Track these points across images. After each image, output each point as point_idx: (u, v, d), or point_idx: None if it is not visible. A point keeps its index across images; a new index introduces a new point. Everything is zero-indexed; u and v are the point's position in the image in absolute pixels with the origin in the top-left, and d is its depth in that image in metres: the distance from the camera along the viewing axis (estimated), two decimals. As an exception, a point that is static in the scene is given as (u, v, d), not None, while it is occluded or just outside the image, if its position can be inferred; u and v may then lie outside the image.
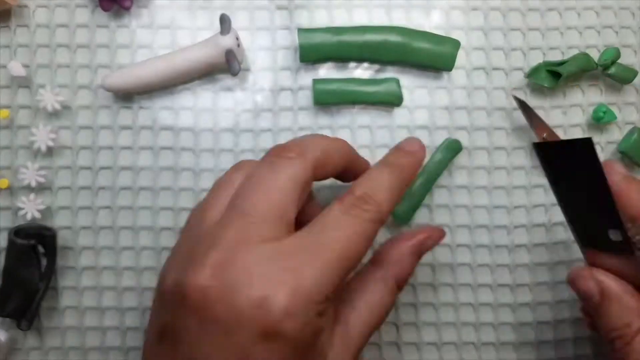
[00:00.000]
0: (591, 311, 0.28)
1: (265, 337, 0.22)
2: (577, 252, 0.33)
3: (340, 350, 0.26)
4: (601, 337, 0.28)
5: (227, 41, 0.33)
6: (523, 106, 0.35)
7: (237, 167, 0.28)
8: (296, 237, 0.25)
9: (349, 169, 0.30)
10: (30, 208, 0.35)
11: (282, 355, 0.23)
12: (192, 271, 0.23)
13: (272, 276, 0.23)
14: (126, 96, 0.36)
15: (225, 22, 0.33)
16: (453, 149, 0.36)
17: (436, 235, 0.31)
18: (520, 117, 0.37)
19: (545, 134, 0.35)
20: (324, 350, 0.25)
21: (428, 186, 0.35)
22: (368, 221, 0.26)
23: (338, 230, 0.25)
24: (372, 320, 0.27)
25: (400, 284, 0.29)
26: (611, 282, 0.27)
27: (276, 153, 0.27)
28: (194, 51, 0.34)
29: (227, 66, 0.34)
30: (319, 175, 0.27)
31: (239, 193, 0.26)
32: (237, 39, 0.34)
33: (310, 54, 0.35)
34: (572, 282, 0.28)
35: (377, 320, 0.28)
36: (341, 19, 0.37)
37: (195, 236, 0.26)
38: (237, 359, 0.22)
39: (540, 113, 0.36)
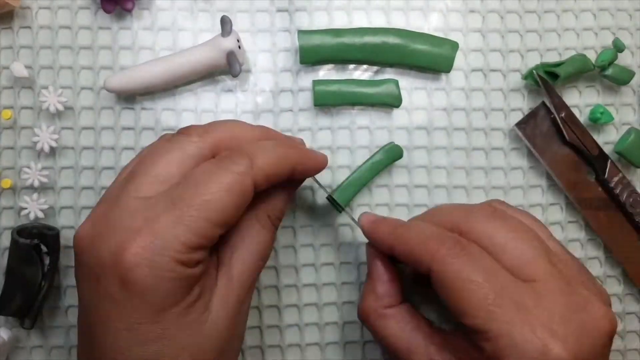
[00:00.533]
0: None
1: (123, 285, 0.24)
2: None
3: (224, 292, 0.26)
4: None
5: (229, 43, 0.34)
6: (545, 83, 0.35)
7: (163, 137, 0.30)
8: (164, 192, 0.25)
9: (302, 174, 0.30)
10: (33, 208, 0.35)
11: (142, 301, 0.24)
12: (82, 223, 0.27)
13: (130, 227, 0.24)
14: (128, 97, 0.36)
15: (226, 24, 0.34)
16: (394, 153, 0.36)
17: (308, 163, 0.30)
18: (519, 117, 0.37)
19: (563, 113, 0.35)
20: (205, 296, 0.26)
21: (362, 181, 0.35)
22: (236, 174, 0.26)
23: (203, 182, 0.25)
24: (251, 259, 0.28)
25: (275, 220, 0.29)
26: (377, 262, 0.32)
27: (180, 131, 0.29)
28: (195, 53, 0.34)
29: (228, 67, 0.34)
30: (261, 186, 0.27)
31: (137, 157, 0.29)
32: (238, 40, 0.34)
33: (310, 55, 0.36)
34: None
35: (257, 259, 0.28)
36: (341, 21, 0.37)
37: (134, 198, 0.27)
38: (108, 303, 0.24)
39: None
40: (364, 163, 0.36)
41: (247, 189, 0.26)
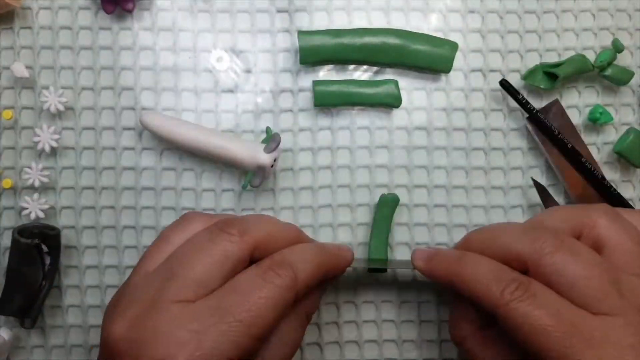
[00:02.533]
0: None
1: None
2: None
3: None
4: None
5: (266, 160, 0.33)
6: (540, 189, 0.36)
7: (183, 224, 0.29)
8: (207, 299, 0.25)
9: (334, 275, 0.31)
10: (34, 208, 0.35)
11: None
12: (113, 320, 0.25)
13: (176, 337, 0.24)
14: (129, 98, 0.36)
15: (274, 142, 0.33)
16: (394, 202, 0.36)
17: (340, 264, 0.31)
18: (518, 118, 0.37)
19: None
20: None
21: (384, 237, 0.35)
22: (280, 287, 0.26)
23: (249, 294, 0.25)
24: (286, 353, 0.28)
25: (310, 316, 0.30)
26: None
27: (220, 227, 0.27)
28: (232, 145, 0.34)
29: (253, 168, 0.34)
30: (258, 255, 0.27)
31: (174, 253, 0.27)
32: (276, 160, 0.34)
33: (310, 56, 0.36)
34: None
35: (291, 352, 0.28)
36: (341, 22, 0.37)
37: (129, 284, 0.27)
38: None
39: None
40: (376, 224, 0.35)
41: (290, 302, 0.26)
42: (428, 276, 0.30)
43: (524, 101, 0.36)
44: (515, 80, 0.37)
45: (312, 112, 0.37)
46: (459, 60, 0.37)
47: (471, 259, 0.28)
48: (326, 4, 0.37)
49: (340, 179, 0.37)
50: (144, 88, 0.36)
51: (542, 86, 0.36)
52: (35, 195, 0.35)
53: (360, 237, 0.36)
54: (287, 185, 0.36)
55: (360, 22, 0.37)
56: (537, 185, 0.35)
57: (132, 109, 0.36)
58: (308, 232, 0.36)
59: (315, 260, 0.28)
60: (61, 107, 0.35)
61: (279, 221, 0.30)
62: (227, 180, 0.36)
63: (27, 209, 0.35)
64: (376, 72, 0.37)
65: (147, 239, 0.36)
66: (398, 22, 0.37)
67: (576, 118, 0.37)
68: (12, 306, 0.34)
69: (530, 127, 0.36)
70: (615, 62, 0.36)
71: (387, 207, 0.35)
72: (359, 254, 0.36)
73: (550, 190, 0.37)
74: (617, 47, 0.36)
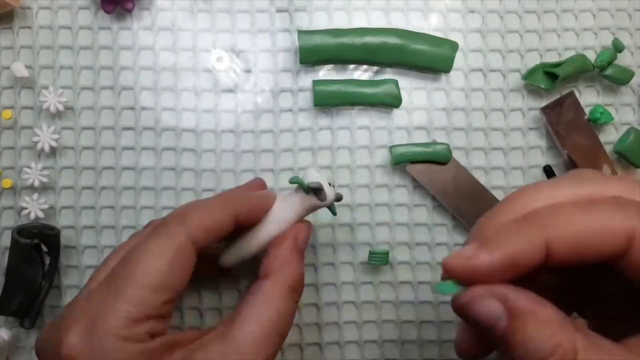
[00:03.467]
0: (498, 341, 0.20)
1: None
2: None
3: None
4: None
5: (331, 196, 0.30)
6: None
7: (132, 235, 0.31)
8: (104, 277, 0.26)
9: (249, 216, 0.29)
10: (33, 207, 0.35)
11: None
12: (66, 331, 0.24)
13: (69, 318, 0.25)
14: (129, 98, 0.36)
15: (317, 187, 0.30)
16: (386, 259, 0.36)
17: (304, 231, 0.30)
18: (517, 118, 0.37)
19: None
20: None
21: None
22: (167, 235, 0.26)
23: (136, 254, 0.26)
24: (271, 330, 0.27)
25: (296, 287, 0.29)
26: (518, 295, 0.20)
27: (155, 225, 0.28)
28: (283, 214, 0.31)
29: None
30: (203, 241, 0.27)
31: (120, 261, 0.27)
32: (332, 185, 0.31)
33: (310, 55, 0.36)
34: (465, 307, 0.21)
35: (279, 328, 0.27)
36: (341, 22, 0.37)
37: (83, 294, 0.27)
38: None
39: (537, 114, 0.37)
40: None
41: (182, 247, 0.26)
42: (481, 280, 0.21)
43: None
44: (515, 80, 0.37)
45: (312, 112, 0.37)
46: (459, 60, 0.37)
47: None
48: (326, 3, 0.37)
49: (340, 179, 0.36)
50: (144, 88, 0.36)
51: (542, 86, 0.36)
52: (35, 195, 0.35)
53: (360, 237, 0.36)
54: (287, 185, 0.36)
55: (360, 22, 0.37)
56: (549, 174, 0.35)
57: (132, 108, 0.36)
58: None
59: (211, 204, 0.28)
60: (61, 107, 0.35)
61: (208, 200, 0.29)
62: (226, 180, 0.36)
63: (26, 208, 0.35)
64: (376, 72, 0.37)
65: (147, 239, 0.36)
66: (398, 22, 0.37)
67: (576, 118, 0.37)
68: (11, 306, 0.34)
69: (543, 118, 0.36)
70: (615, 62, 0.36)
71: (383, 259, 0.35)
72: (360, 254, 0.36)
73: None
74: (617, 47, 0.36)
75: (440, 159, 0.36)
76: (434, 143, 0.36)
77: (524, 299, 0.20)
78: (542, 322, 0.19)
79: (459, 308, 0.21)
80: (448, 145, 0.36)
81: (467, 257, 0.20)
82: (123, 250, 0.28)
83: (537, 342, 0.19)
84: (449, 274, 0.21)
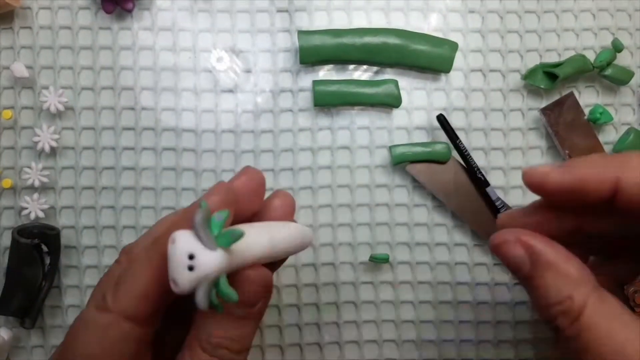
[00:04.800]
0: (523, 284, 0.23)
1: None
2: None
3: None
4: (540, 315, 0.23)
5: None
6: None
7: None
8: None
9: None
10: (33, 208, 0.35)
11: None
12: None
13: None
14: (129, 98, 0.36)
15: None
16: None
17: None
18: (517, 118, 0.37)
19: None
20: None
21: None
22: (88, 316, 0.23)
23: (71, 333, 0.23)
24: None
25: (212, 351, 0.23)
26: (543, 246, 0.22)
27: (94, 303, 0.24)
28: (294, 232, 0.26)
29: None
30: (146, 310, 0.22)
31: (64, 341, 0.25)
32: None
33: (310, 55, 0.36)
34: (495, 249, 0.23)
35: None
36: (341, 22, 0.37)
37: None
38: None
39: (537, 114, 0.37)
40: None
41: (109, 325, 0.22)
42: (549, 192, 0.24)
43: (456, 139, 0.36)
44: (515, 80, 0.37)
45: (312, 112, 0.37)
46: (459, 60, 0.37)
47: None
48: (326, 4, 0.37)
49: (340, 179, 0.36)
50: (144, 88, 0.36)
51: (542, 86, 0.36)
52: (35, 195, 0.35)
53: (360, 237, 0.36)
54: (287, 185, 0.36)
55: (360, 22, 0.37)
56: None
57: (132, 109, 0.36)
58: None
59: (144, 262, 0.22)
60: (61, 107, 0.35)
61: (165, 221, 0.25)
62: (226, 179, 0.36)
63: (26, 208, 0.35)
64: (376, 72, 0.37)
65: (147, 239, 0.36)
66: (398, 22, 0.37)
67: (576, 118, 0.37)
68: (12, 306, 0.34)
69: (543, 118, 0.36)
70: (615, 62, 0.36)
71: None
72: (360, 253, 0.36)
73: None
74: (617, 47, 0.36)
75: (439, 158, 0.36)
76: (434, 142, 0.36)
77: (548, 251, 0.22)
78: (560, 273, 0.22)
79: (493, 248, 0.23)
80: (447, 144, 0.36)
81: (545, 172, 0.23)
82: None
83: (550, 290, 0.21)
84: (526, 182, 0.24)
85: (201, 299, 0.19)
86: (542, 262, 0.22)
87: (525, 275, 0.22)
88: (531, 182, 0.24)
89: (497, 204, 0.35)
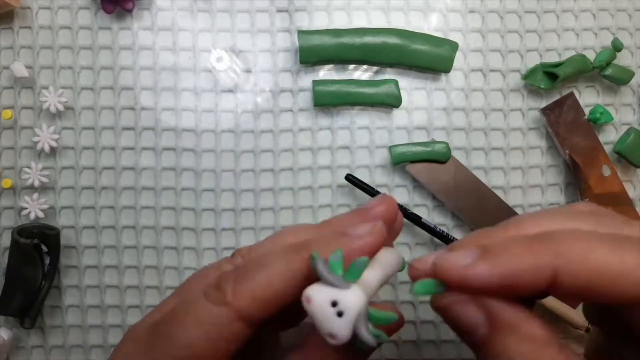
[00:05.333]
0: (474, 349, 0.20)
1: None
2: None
3: None
4: None
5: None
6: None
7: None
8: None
9: None
10: (33, 208, 0.35)
11: None
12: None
13: None
14: (128, 98, 0.36)
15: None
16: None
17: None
18: (517, 118, 0.37)
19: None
20: None
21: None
22: (208, 305, 0.21)
23: (174, 323, 0.21)
24: None
25: None
26: (501, 305, 0.19)
27: (214, 285, 0.22)
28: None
29: None
30: (258, 318, 0.21)
31: (163, 317, 0.23)
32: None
33: (310, 55, 0.36)
34: (443, 310, 0.20)
35: None
36: (341, 22, 0.37)
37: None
38: None
39: (537, 114, 0.37)
40: None
41: (223, 320, 0.21)
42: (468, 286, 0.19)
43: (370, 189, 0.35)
44: (515, 80, 0.37)
45: (312, 112, 0.37)
46: (459, 60, 0.37)
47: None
48: (326, 3, 0.37)
49: (340, 179, 0.36)
50: (144, 88, 0.36)
51: (542, 86, 0.36)
52: (35, 195, 0.35)
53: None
54: (287, 185, 0.36)
55: (360, 22, 0.37)
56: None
57: (132, 108, 0.36)
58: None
59: (277, 265, 0.21)
60: (61, 107, 0.35)
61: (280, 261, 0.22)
62: (226, 180, 0.36)
63: (26, 208, 0.35)
64: (376, 72, 0.37)
65: (147, 239, 0.36)
66: (398, 22, 0.37)
67: (576, 118, 0.37)
68: (11, 306, 0.34)
69: (543, 118, 0.36)
70: (615, 62, 0.36)
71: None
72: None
73: (568, 189, 0.37)
74: (617, 47, 0.36)
75: (439, 157, 0.36)
76: (433, 142, 0.36)
77: (508, 312, 0.19)
78: (523, 336, 0.19)
79: (439, 309, 0.20)
80: (447, 144, 0.36)
81: (463, 265, 0.19)
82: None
83: (515, 356, 0.18)
84: (440, 277, 0.19)
85: (366, 337, 0.19)
86: (502, 324, 0.19)
87: (480, 340, 0.19)
88: (449, 280, 0.19)
89: (438, 230, 0.35)
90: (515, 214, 0.36)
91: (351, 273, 0.20)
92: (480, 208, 0.36)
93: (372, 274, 0.21)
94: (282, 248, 0.22)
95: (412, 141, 0.37)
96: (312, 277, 0.20)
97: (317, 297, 0.19)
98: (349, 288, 0.19)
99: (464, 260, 0.19)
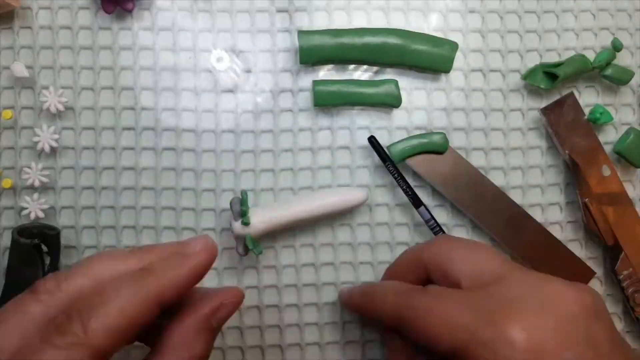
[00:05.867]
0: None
1: None
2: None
3: None
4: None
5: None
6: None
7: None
8: None
9: (179, 295, 0.24)
10: (33, 208, 0.35)
11: None
12: None
13: None
14: (128, 98, 0.36)
15: None
16: None
17: (232, 300, 0.26)
18: (517, 118, 0.37)
19: (587, 199, 0.36)
20: None
21: None
22: (61, 349, 0.20)
23: None
24: None
25: None
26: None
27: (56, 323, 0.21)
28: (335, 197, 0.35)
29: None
30: (116, 345, 0.21)
31: None
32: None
33: (310, 55, 0.36)
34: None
35: None
36: (341, 22, 0.37)
37: None
38: None
39: (537, 114, 0.37)
40: None
41: None
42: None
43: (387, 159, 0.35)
44: (515, 80, 0.37)
45: (312, 112, 0.37)
46: (459, 60, 0.37)
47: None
48: (326, 4, 0.37)
49: (340, 179, 0.36)
50: (144, 88, 0.36)
51: (542, 86, 0.36)
52: (35, 195, 0.35)
53: (360, 237, 0.36)
54: (286, 185, 0.36)
55: (360, 22, 0.37)
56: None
57: (132, 109, 0.36)
58: (307, 232, 0.36)
59: (127, 293, 0.22)
60: (61, 107, 0.35)
61: (118, 254, 0.24)
62: (226, 179, 0.36)
63: (26, 208, 0.35)
64: (376, 72, 0.37)
65: (147, 239, 0.36)
66: (398, 22, 0.37)
67: (576, 118, 0.37)
68: (11, 306, 0.34)
69: (543, 118, 0.36)
70: (615, 62, 0.36)
71: None
72: (359, 253, 0.36)
73: (567, 189, 0.37)
74: (616, 47, 0.36)
75: (438, 148, 0.36)
76: (431, 133, 0.36)
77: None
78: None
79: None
80: (444, 134, 0.36)
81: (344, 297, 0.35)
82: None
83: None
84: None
85: (238, 249, 0.34)
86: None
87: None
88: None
89: (429, 224, 0.35)
90: (512, 201, 0.36)
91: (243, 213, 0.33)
92: (479, 197, 0.36)
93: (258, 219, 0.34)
94: (120, 277, 0.23)
95: (412, 141, 0.37)
96: (165, 299, 0.23)
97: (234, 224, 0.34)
98: (237, 221, 0.34)
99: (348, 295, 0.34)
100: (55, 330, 0.21)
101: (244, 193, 0.33)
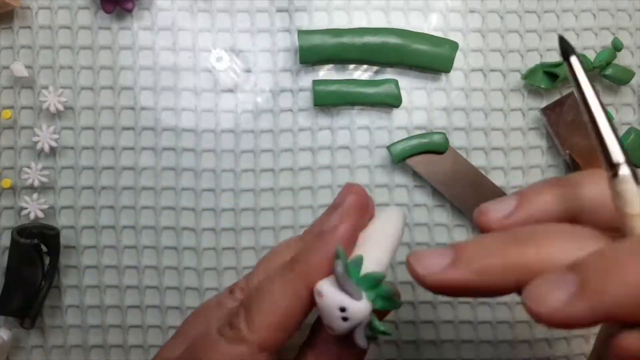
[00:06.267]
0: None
1: None
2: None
3: None
4: None
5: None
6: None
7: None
8: None
9: None
10: (33, 208, 0.35)
11: None
12: None
13: None
14: (128, 98, 0.36)
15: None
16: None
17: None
18: (517, 118, 0.37)
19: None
20: None
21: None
22: (232, 342, 0.22)
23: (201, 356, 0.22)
24: None
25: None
26: None
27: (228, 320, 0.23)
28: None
29: None
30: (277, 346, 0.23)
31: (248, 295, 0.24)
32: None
33: (310, 55, 0.36)
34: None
35: None
36: (341, 21, 0.37)
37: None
38: None
39: (537, 114, 0.37)
40: None
41: (245, 357, 0.22)
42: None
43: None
44: (515, 80, 0.37)
45: (312, 112, 0.37)
46: (459, 60, 0.37)
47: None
48: (326, 3, 0.37)
49: (340, 179, 0.36)
50: (144, 88, 0.36)
51: (542, 86, 0.36)
52: (35, 195, 0.35)
53: (360, 237, 0.36)
54: (287, 185, 0.36)
55: (360, 21, 0.37)
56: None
57: (132, 108, 0.36)
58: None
59: (282, 285, 0.22)
60: (60, 107, 0.35)
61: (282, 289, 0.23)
62: (226, 179, 0.36)
63: (26, 208, 0.35)
64: (376, 72, 0.37)
65: (147, 239, 0.36)
66: (398, 21, 0.37)
67: (576, 118, 0.37)
68: (11, 306, 0.34)
69: (544, 118, 0.36)
70: (615, 62, 0.36)
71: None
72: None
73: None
74: (617, 47, 0.36)
75: (438, 148, 0.36)
76: (431, 133, 0.36)
77: None
78: None
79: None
80: (444, 134, 0.36)
81: (437, 270, 0.19)
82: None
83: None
84: (419, 281, 0.19)
85: (360, 341, 0.21)
86: None
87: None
88: (423, 285, 0.19)
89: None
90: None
91: (365, 283, 0.21)
92: (479, 197, 0.36)
93: (382, 263, 0.22)
94: (275, 270, 0.23)
95: (412, 141, 0.37)
96: (314, 283, 0.22)
97: (329, 296, 0.21)
98: (360, 299, 0.21)
99: (436, 266, 0.19)
100: (228, 323, 0.22)
101: (341, 251, 0.22)
